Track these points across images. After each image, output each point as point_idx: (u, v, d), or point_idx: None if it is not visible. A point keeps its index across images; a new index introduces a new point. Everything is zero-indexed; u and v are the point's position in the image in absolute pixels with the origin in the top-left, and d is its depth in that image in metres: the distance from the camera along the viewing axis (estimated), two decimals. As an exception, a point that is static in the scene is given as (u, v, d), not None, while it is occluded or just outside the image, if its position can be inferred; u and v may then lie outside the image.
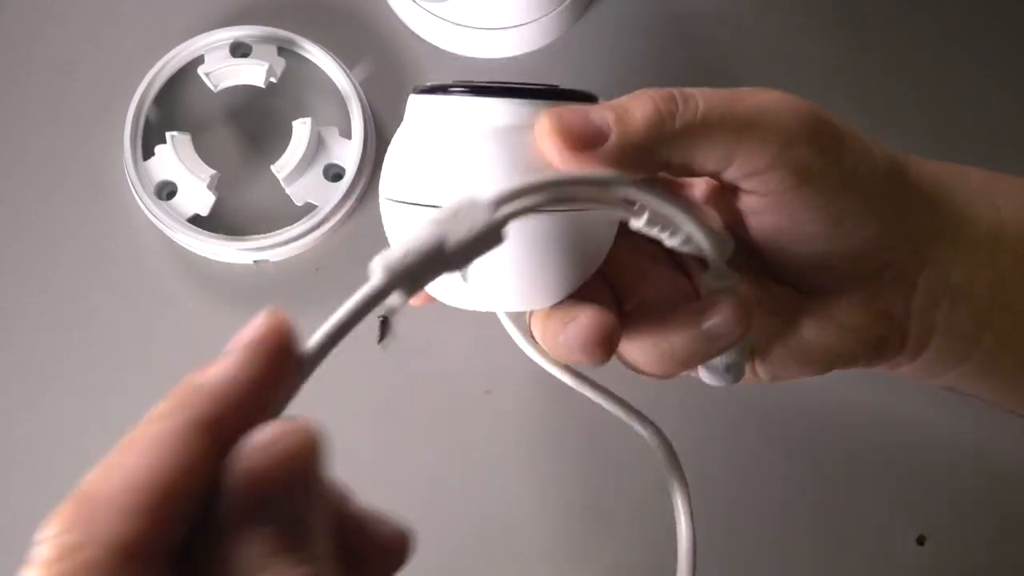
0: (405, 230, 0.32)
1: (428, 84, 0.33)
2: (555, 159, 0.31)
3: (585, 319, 0.33)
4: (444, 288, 0.34)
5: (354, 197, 0.46)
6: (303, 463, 0.22)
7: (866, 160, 0.34)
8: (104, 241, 0.47)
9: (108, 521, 0.20)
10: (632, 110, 0.31)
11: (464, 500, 0.44)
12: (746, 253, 0.37)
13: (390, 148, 0.34)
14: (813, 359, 0.37)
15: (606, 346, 0.33)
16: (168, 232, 0.46)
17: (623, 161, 0.31)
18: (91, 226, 0.47)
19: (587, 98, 0.33)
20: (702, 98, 0.32)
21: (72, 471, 0.44)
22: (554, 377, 0.44)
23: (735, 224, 0.36)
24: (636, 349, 0.35)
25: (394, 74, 0.49)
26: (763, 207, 0.34)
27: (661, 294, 0.36)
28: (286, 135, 0.46)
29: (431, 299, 0.36)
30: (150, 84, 0.47)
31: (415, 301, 0.34)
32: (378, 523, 0.25)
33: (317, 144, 0.46)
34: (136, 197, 0.46)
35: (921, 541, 0.42)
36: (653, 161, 0.31)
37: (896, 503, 0.43)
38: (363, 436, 0.44)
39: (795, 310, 0.37)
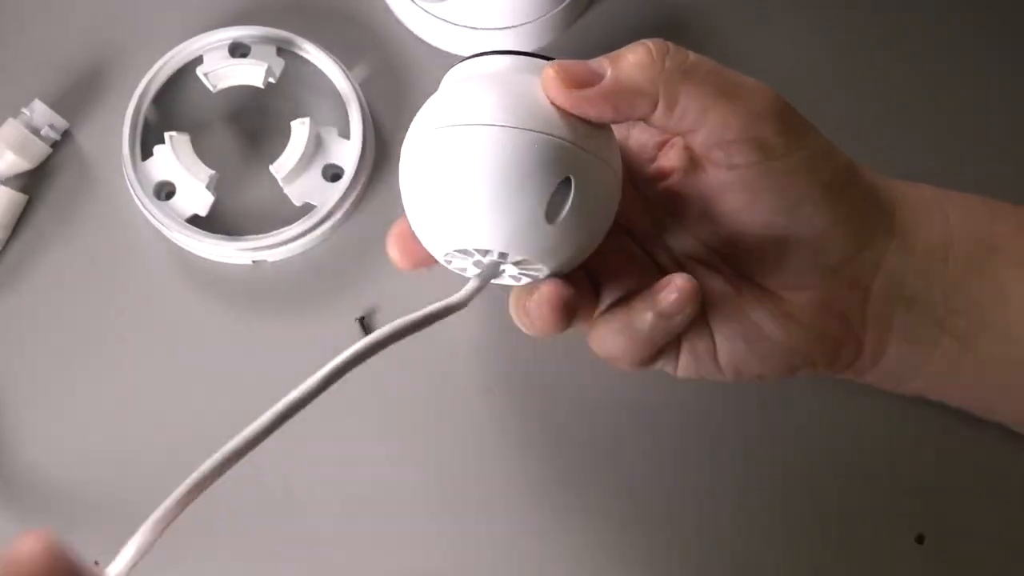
0: (462, 153, 0.34)
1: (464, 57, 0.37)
2: (557, 96, 0.34)
3: (547, 289, 0.35)
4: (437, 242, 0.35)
5: (353, 197, 0.46)
6: None
7: (827, 154, 0.37)
8: (102, 241, 0.47)
9: None
10: (626, 54, 0.35)
11: (464, 500, 0.44)
12: (716, 252, 0.39)
13: (437, 95, 0.37)
14: (773, 357, 0.39)
15: (563, 313, 0.35)
16: (166, 232, 0.46)
17: (615, 99, 0.34)
18: (89, 226, 0.47)
19: None
20: (692, 54, 0.35)
21: (71, 471, 0.44)
22: (554, 377, 0.44)
23: (704, 209, 0.38)
24: (609, 337, 0.37)
25: (393, 75, 0.49)
26: (728, 182, 0.36)
27: (639, 290, 0.38)
28: (285, 135, 0.46)
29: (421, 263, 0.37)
30: (149, 84, 0.47)
31: (404, 264, 0.38)
32: None
33: (316, 144, 0.46)
34: (135, 197, 0.46)
35: (921, 540, 0.42)
36: (647, 92, 0.34)
37: (896, 503, 0.43)
38: (363, 437, 0.44)
39: (758, 308, 0.39)
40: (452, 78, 0.37)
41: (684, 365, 0.40)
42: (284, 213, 0.46)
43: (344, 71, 0.48)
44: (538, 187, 0.33)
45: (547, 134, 0.33)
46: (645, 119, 0.35)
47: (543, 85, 0.34)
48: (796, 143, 0.36)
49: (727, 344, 0.39)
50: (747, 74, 0.48)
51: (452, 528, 0.43)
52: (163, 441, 0.44)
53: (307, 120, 0.46)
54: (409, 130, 0.36)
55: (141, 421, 0.44)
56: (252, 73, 0.47)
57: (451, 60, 0.49)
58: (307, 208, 0.46)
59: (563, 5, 0.48)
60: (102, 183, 0.47)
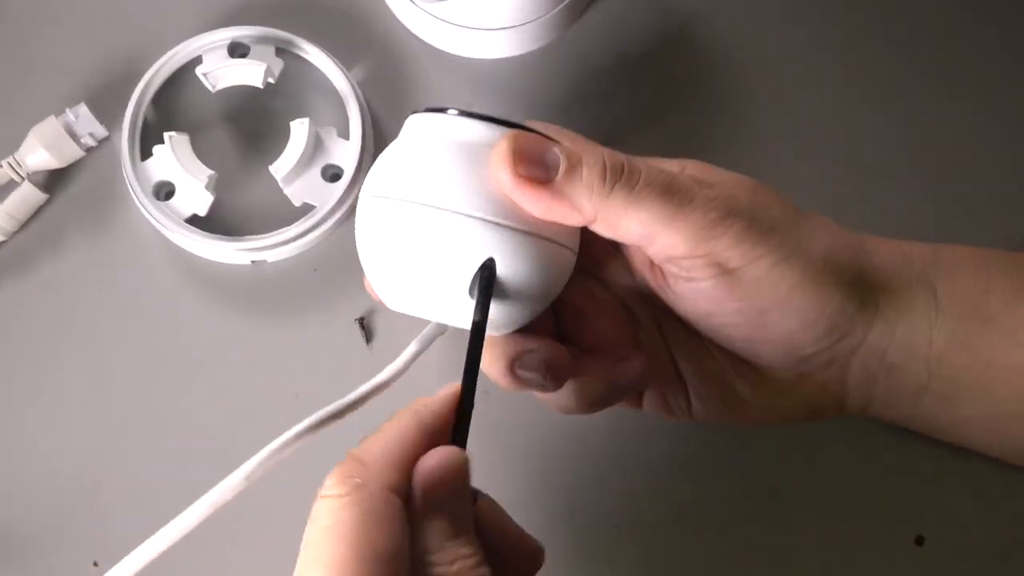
0: (390, 228, 0.34)
1: (429, 106, 0.36)
2: (504, 182, 0.33)
3: (543, 354, 0.36)
4: (405, 299, 0.35)
5: (352, 197, 0.46)
6: (461, 477, 0.31)
7: (794, 253, 0.35)
8: (102, 241, 0.47)
9: (378, 472, 0.30)
10: (583, 164, 0.34)
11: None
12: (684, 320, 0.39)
13: (384, 155, 0.36)
14: (748, 416, 0.40)
15: (560, 380, 0.36)
16: (166, 232, 0.46)
17: (560, 204, 0.33)
18: (89, 226, 0.47)
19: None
20: (645, 175, 0.34)
21: (71, 468, 0.44)
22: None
23: (672, 305, 0.38)
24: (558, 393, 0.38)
25: (392, 74, 0.49)
26: (687, 291, 0.36)
27: (602, 341, 0.39)
28: (284, 136, 0.46)
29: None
30: (148, 84, 0.47)
31: (376, 297, 0.37)
32: (520, 536, 0.33)
33: (315, 144, 0.46)
34: (134, 197, 0.46)
35: (920, 541, 0.42)
36: (584, 213, 0.34)
37: (895, 503, 0.43)
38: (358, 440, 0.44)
39: (734, 375, 0.39)
40: (408, 133, 0.36)
41: (650, 409, 0.41)
42: (283, 213, 0.46)
43: (343, 71, 0.48)
44: (459, 266, 0.33)
45: (472, 216, 0.33)
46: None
47: (493, 156, 0.33)
48: (755, 252, 0.34)
49: (702, 402, 0.40)
50: (747, 66, 0.49)
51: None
52: (161, 440, 0.44)
53: (306, 120, 0.46)
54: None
55: (139, 420, 0.44)
56: (251, 73, 0.47)
57: (451, 60, 0.49)
58: (306, 208, 0.46)
59: (562, 5, 0.48)
60: (101, 183, 0.47)
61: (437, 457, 0.31)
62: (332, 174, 0.47)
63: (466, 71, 0.49)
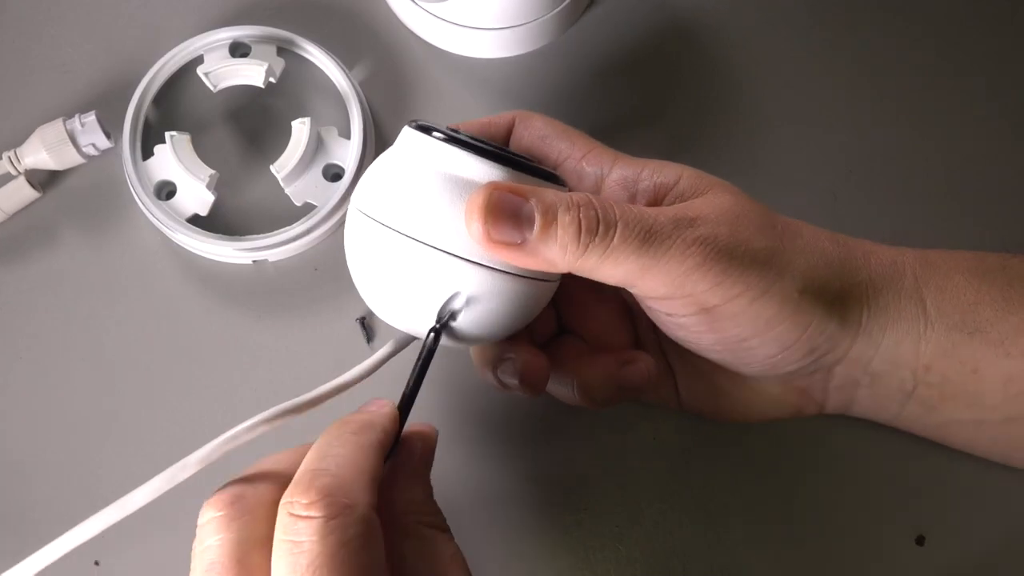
0: (368, 246, 0.35)
1: (422, 122, 0.36)
2: (476, 236, 0.33)
3: (519, 363, 0.37)
4: (392, 312, 0.36)
5: (353, 197, 0.46)
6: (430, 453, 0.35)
7: (774, 287, 0.35)
8: (103, 241, 0.47)
9: (360, 491, 0.30)
10: (557, 223, 0.33)
11: (462, 499, 0.44)
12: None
13: (375, 164, 0.36)
14: (732, 412, 0.41)
15: (535, 388, 0.37)
16: (167, 232, 0.46)
17: (533, 261, 0.34)
18: (90, 226, 0.47)
19: (552, 178, 0.36)
20: (621, 229, 0.33)
21: (71, 467, 0.44)
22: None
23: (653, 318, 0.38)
24: (559, 382, 0.39)
25: (393, 74, 0.49)
26: (668, 322, 0.37)
27: (602, 332, 0.40)
28: (285, 135, 0.46)
29: None
30: (149, 84, 0.47)
31: None
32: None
33: (316, 144, 0.46)
34: (135, 197, 0.46)
35: (921, 541, 0.42)
36: (558, 268, 0.34)
37: (895, 503, 0.43)
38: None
39: (718, 372, 0.39)
40: (400, 148, 0.36)
41: (644, 398, 0.42)
42: (285, 213, 0.46)
43: (344, 70, 0.48)
44: (430, 293, 0.34)
45: (446, 251, 0.34)
46: None
47: (466, 207, 0.33)
48: (733, 291, 0.34)
49: (689, 394, 0.41)
50: (746, 68, 0.49)
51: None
52: (162, 439, 0.44)
53: (307, 120, 0.46)
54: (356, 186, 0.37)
55: (140, 419, 0.44)
56: (252, 73, 0.47)
57: (451, 60, 0.50)
58: (307, 208, 0.46)
59: (562, 6, 0.48)
60: (103, 182, 0.47)
61: (423, 439, 0.34)
62: (333, 173, 0.47)
63: (466, 71, 0.49)
